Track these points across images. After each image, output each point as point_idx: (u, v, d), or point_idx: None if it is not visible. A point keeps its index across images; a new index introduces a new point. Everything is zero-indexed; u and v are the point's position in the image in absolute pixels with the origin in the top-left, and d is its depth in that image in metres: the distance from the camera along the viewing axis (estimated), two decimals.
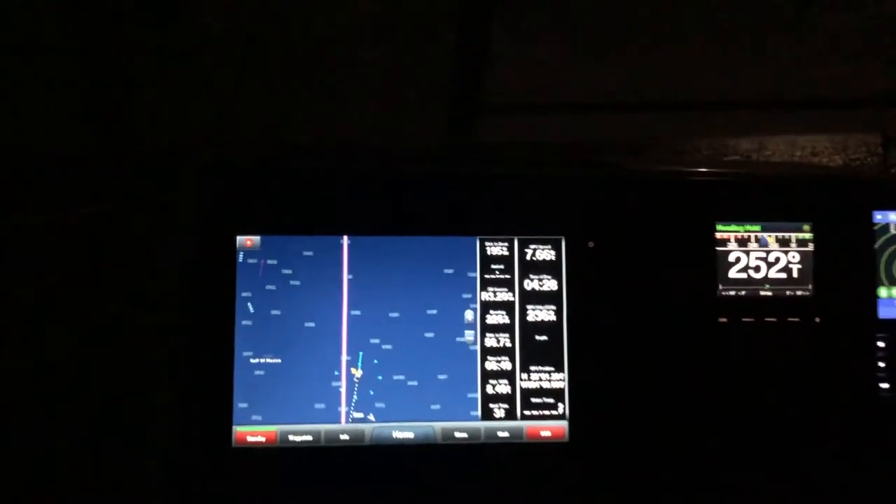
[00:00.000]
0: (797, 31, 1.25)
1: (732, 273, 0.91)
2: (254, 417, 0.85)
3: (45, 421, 0.84)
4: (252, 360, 0.85)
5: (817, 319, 0.90)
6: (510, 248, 0.90)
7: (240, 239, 0.87)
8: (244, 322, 0.86)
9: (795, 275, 0.91)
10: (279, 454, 0.84)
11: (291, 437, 0.85)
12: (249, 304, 0.86)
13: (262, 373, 0.85)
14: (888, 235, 0.92)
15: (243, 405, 0.85)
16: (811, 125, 1.33)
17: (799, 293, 0.91)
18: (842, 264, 0.92)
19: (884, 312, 0.91)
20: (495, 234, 0.90)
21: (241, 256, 0.87)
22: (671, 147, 1.25)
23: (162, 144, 0.99)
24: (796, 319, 0.90)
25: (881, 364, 0.90)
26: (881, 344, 0.90)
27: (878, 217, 0.92)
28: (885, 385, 0.89)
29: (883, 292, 0.91)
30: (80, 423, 0.86)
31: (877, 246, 0.92)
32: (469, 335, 0.88)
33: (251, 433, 0.84)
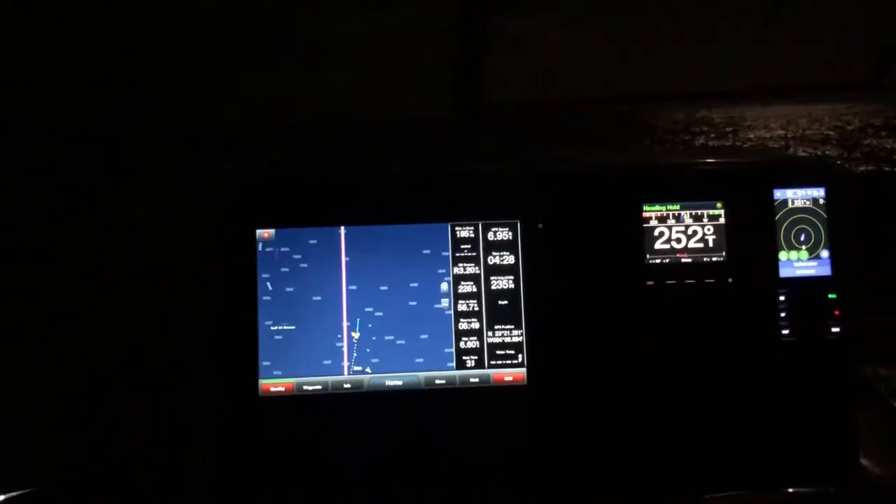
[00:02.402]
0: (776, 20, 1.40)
1: (657, 245, 1.11)
2: (275, 372, 1.06)
3: (118, 382, 1.07)
4: (272, 328, 1.06)
5: (729, 280, 1.10)
6: (476, 231, 1.10)
7: (259, 232, 1.08)
8: (265, 298, 1.07)
9: (710, 244, 1.11)
10: (296, 401, 1.05)
11: (305, 387, 1.06)
12: (268, 283, 1.07)
13: (280, 337, 1.06)
14: (786, 209, 1.11)
15: (266, 363, 1.06)
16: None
17: (714, 259, 1.11)
18: (748, 234, 1.11)
19: (784, 272, 1.10)
20: (463, 220, 1.10)
21: (260, 246, 1.08)
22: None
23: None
24: (712, 281, 1.10)
25: (782, 315, 1.09)
26: (782, 298, 1.09)
27: (778, 194, 1.11)
28: (785, 332, 1.09)
29: (783, 256, 1.11)
30: (143, 384, 1.08)
31: (777, 218, 1.11)
32: (444, 302, 1.09)
33: (273, 385, 1.06)
